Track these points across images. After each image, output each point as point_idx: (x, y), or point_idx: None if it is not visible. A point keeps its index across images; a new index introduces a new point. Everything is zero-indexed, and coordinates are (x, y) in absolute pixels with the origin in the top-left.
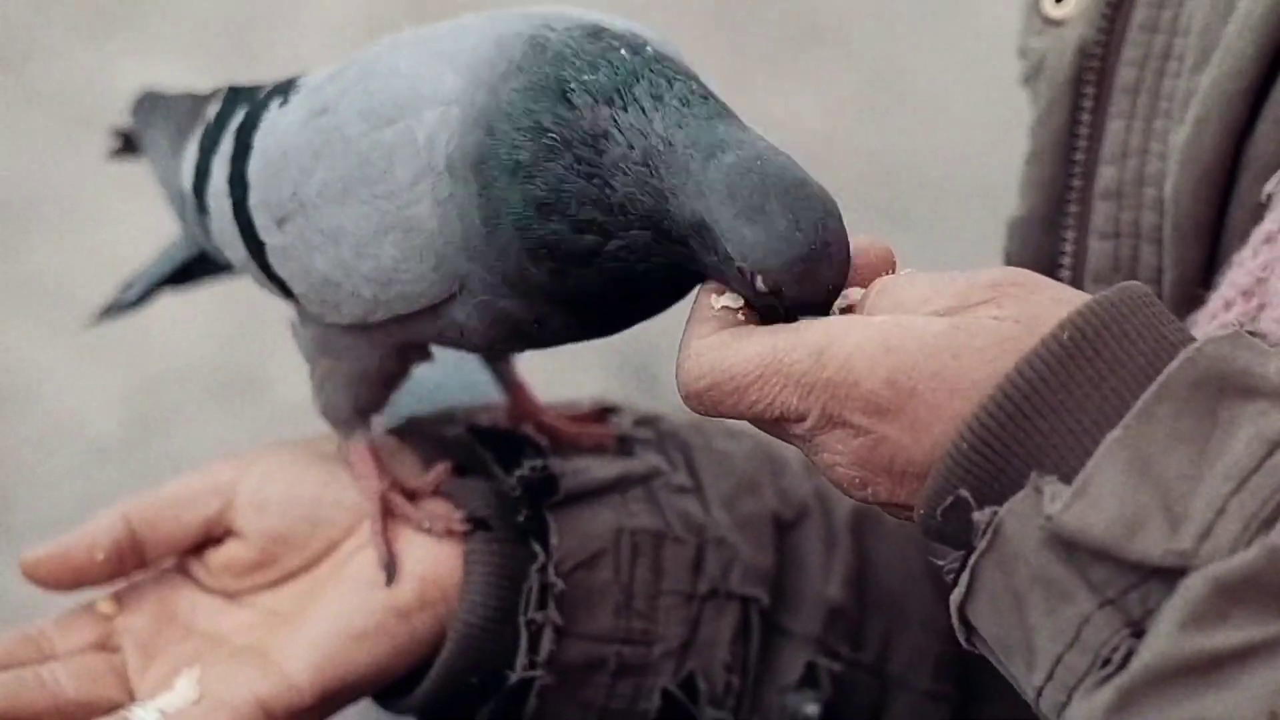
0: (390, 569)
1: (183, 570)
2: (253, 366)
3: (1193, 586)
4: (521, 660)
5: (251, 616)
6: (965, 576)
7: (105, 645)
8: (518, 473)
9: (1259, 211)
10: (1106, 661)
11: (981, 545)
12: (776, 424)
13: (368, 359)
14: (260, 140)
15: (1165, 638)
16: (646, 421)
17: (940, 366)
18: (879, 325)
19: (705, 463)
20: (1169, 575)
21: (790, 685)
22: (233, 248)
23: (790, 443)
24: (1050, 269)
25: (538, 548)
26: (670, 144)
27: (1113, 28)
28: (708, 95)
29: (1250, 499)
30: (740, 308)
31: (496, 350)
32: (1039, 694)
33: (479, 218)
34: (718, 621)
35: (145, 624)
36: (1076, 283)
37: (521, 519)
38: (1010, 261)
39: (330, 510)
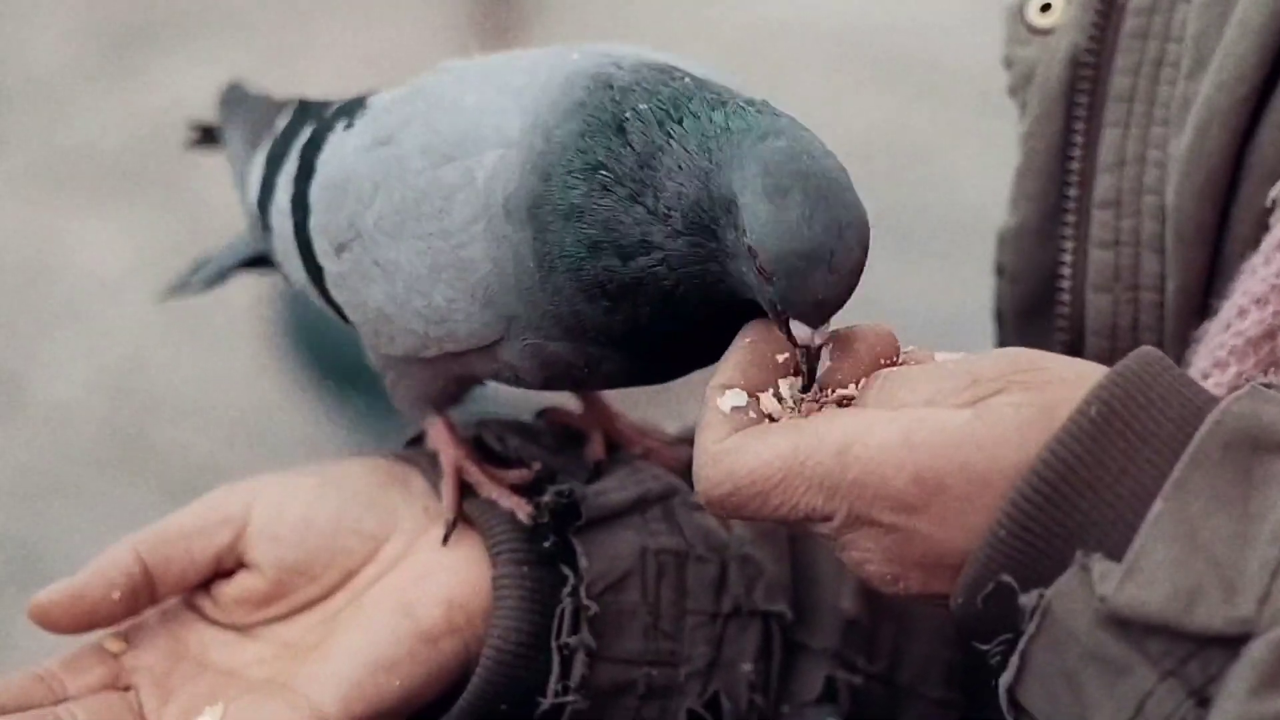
0: (450, 528)
1: (189, 605)
2: (12, 365)
3: (1258, 651)
4: (553, 685)
5: (265, 650)
6: (1015, 660)
7: (115, 684)
8: (543, 499)
9: (1263, 216)
10: None
11: (1031, 628)
12: (801, 524)
13: (429, 383)
14: (323, 163)
15: (1236, 705)
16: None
17: (967, 459)
18: (899, 421)
19: None
20: (1228, 641)
21: (810, 701)
22: (293, 267)
23: (815, 539)
24: (1049, 279)
25: (568, 571)
26: (728, 129)
27: (1104, 36)
28: (771, 106)
29: None
30: (750, 406)
31: (548, 389)
32: None
33: (533, 261)
34: (741, 640)
35: (157, 662)
36: (1078, 292)
37: (548, 544)
38: (1005, 272)
39: (347, 539)
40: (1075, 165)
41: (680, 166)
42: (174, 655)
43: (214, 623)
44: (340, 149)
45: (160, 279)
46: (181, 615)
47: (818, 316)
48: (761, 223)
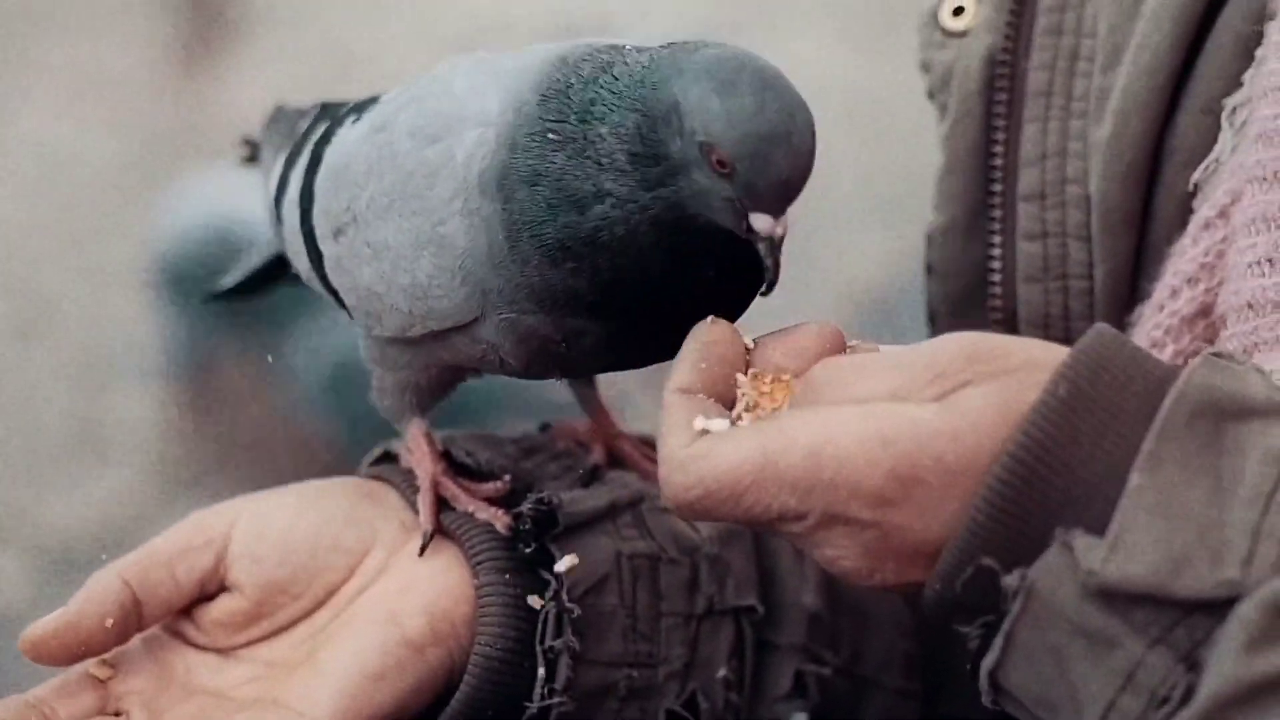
0: (427, 540)
1: (171, 630)
2: None
3: (1247, 611)
4: (539, 689)
5: (250, 670)
6: (999, 641)
7: (105, 710)
8: (524, 507)
9: (1186, 201)
10: (1165, 700)
11: (1015, 608)
12: (772, 524)
13: (418, 373)
14: (329, 154)
15: (1229, 664)
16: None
17: (941, 450)
18: (870, 419)
19: None
20: (1213, 606)
21: (781, 696)
22: (299, 258)
23: (785, 538)
24: (979, 273)
25: (548, 576)
26: (656, 57)
27: (1018, 34)
28: None
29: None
30: (710, 408)
31: (533, 375)
32: None
33: (503, 233)
34: (715, 639)
35: (146, 686)
36: (1008, 285)
37: (529, 550)
38: (934, 270)
39: (328, 555)
40: (998, 161)
41: (612, 109)
42: (161, 680)
43: (197, 647)
44: (345, 139)
45: None
46: (165, 641)
47: (781, 202)
48: (715, 115)
